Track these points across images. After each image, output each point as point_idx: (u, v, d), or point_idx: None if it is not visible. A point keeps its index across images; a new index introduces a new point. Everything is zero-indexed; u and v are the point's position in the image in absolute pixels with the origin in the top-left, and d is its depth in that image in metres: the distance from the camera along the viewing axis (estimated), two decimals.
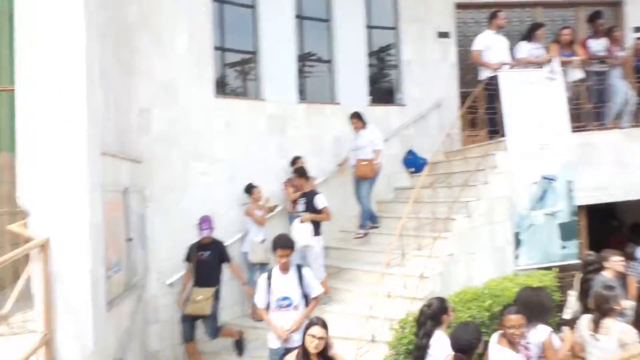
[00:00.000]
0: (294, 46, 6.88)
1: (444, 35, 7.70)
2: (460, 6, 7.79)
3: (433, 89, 7.49)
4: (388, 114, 7.35)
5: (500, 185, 5.59)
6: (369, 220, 6.41)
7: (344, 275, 5.86)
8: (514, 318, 3.47)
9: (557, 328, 4.20)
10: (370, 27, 7.50)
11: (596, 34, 6.84)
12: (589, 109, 6.40)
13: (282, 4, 6.78)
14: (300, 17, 7.04)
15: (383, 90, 7.81)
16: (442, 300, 3.63)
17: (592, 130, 6.26)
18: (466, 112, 6.66)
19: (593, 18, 7.05)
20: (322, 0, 7.24)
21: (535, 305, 3.87)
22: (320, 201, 5.50)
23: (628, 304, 4.40)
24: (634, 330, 3.78)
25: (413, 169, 7.17)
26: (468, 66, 7.39)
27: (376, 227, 6.42)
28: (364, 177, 6.33)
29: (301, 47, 7.09)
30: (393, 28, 7.65)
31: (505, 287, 4.75)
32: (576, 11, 8.04)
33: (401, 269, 5.17)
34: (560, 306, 4.76)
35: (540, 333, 3.72)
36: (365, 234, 6.28)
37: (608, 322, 3.73)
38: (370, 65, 7.55)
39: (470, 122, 7.03)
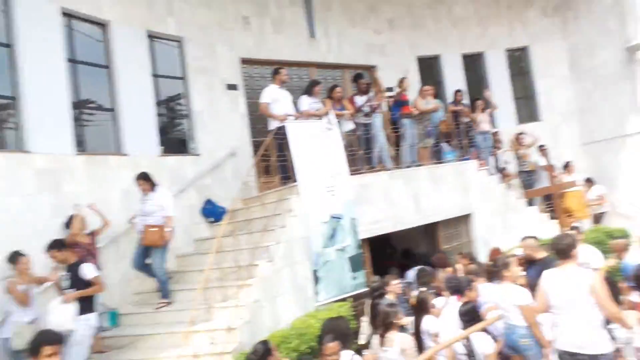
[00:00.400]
0: (67, 92, 6.13)
1: (232, 87, 7.99)
2: (245, 61, 8.25)
3: (226, 138, 7.62)
4: (182, 164, 7.13)
5: (297, 227, 5.92)
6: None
7: (143, 343, 5.23)
8: (331, 346, 3.74)
9: (357, 353, 4.55)
10: (157, 75, 7.28)
11: (360, 92, 8.10)
12: (360, 154, 7.43)
13: (48, 45, 6.00)
14: (73, 61, 6.37)
15: (176, 140, 7.58)
16: (265, 343, 3.68)
17: (365, 172, 7.24)
18: (259, 160, 6.96)
19: (356, 78, 8.36)
20: (99, 45, 6.74)
21: (337, 334, 4.18)
22: (88, 271, 4.75)
23: (408, 320, 5.10)
24: (410, 338, 4.42)
25: (212, 219, 7.04)
26: (258, 117, 7.79)
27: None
28: (154, 245, 5.64)
29: (77, 94, 6.38)
30: (181, 78, 7.58)
31: (310, 324, 4.97)
32: (343, 72, 9.44)
33: (208, 324, 4.93)
34: (358, 333, 5.22)
35: (344, 358, 4.00)
36: (169, 303, 5.65)
37: (391, 335, 4.28)
38: (161, 115, 7.27)
39: (264, 169, 7.36)
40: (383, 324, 4.36)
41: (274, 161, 6.83)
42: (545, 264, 4.98)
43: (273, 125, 6.87)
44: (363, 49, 9.66)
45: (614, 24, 10.57)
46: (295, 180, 6.23)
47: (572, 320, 3.65)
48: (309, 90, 7.41)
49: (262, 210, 6.32)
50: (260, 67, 8.48)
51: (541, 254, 5.46)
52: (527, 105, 11.54)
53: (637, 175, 10.31)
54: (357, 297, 6.03)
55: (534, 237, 5.79)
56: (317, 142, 6.57)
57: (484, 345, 4.58)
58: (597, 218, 9.98)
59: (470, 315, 4.77)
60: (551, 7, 11.66)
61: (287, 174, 6.54)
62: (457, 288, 5.13)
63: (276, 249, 5.61)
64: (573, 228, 7.76)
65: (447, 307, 5.19)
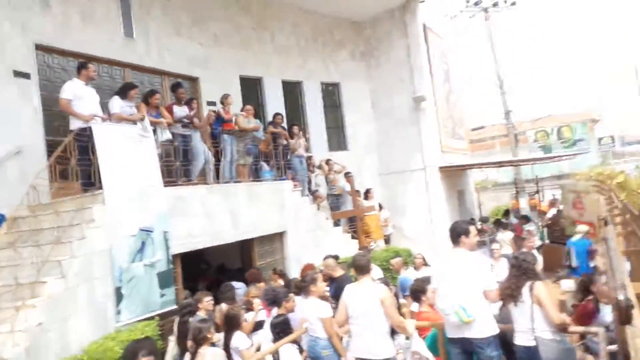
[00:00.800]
0: None
1: (22, 75, 6.70)
2: (41, 47, 7.07)
3: (10, 133, 6.26)
4: None
5: (99, 240, 5.21)
6: None
7: None
8: None
9: None
10: None
11: (179, 101, 7.75)
12: (177, 166, 7.06)
13: None
14: None
15: None
16: None
17: (182, 185, 6.90)
18: (55, 162, 6.00)
19: (175, 87, 7.98)
20: None
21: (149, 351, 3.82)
22: None
23: (218, 336, 4.93)
24: (222, 353, 4.30)
25: None
26: (56, 113, 6.73)
27: None
28: None
29: None
30: None
31: (107, 347, 4.41)
32: (162, 79, 8.92)
33: None
34: (164, 353, 4.81)
35: None
36: None
37: (202, 350, 4.10)
38: None
39: (61, 173, 6.34)
40: (195, 339, 4.14)
41: (75, 165, 5.96)
42: (341, 282, 5.45)
43: (75, 124, 6.02)
44: (186, 59, 9.34)
45: (406, 76, 12.59)
46: (100, 188, 5.54)
47: (365, 330, 4.03)
48: (122, 93, 6.74)
49: (55, 219, 5.39)
50: (62, 58, 7.40)
51: (339, 273, 5.96)
52: (337, 135, 12.75)
53: (418, 204, 12.29)
54: (164, 316, 5.59)
55: (333, 257, 6.30)
56: (128, 148, 6.00)
57: (290, 356, 4.72)
58: (386, 239, 11.46)
59: (281, 328, 4.89)
60: (359, 52, 13.29)
61: (90, 180, 5.78)
62: (274, 300, 5.22)
63: (70, 263, 4.82)
64: (363, 248, 8.74)
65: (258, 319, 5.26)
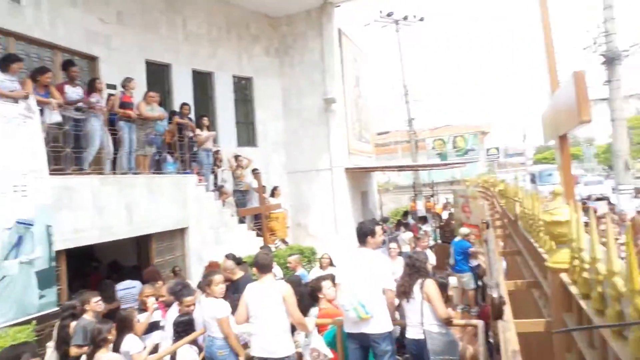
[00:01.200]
0: None
1: None
2: None
3: None
4: None
5: None
6: None
7: None
8: None
9: None
10: None
11: (72, 81, 7.00)
12: (67, 152, 6.39)
13: None
14: None
15: None
16: None
17: (71, 174, 6.26)
18: None
19: (67, 65, 7.19)
20: None
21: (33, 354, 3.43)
22: None
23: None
24: (119, 356, 3.99)
25: None
26: None
27: None
28: None
29: None
30: None
31: None
32: (53, 53, 7.99)
33: None
34: None
35: None
36: None
37: (99, 354, 3.78)
38: None
39: None
40: (94, 341, 3.80)
41: None
42: (239, 285, 5.30)
43: None
44: (83, 35, 8.48)
45: (318, 77, 12.71)
46: None
47: (265, 328, 3.98)
48: (3, 65, 5.94)
49: None
50: None
51: (238, 275, 5.79)
52: (246, 131, 12.50)
53: (323, 203, 12.50)
54: (43, 319, 5.02)
55: (233, 259, 6.05)
56: (7, 129, 5.31)
57: (187, 356, 4.53)
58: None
59: (184, 327, 4.68)
60: (273, 48, 13.15)
61: None
62: (179, 295, 5.00)
63: None
64: (265, 246, 8.67)
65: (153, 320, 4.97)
